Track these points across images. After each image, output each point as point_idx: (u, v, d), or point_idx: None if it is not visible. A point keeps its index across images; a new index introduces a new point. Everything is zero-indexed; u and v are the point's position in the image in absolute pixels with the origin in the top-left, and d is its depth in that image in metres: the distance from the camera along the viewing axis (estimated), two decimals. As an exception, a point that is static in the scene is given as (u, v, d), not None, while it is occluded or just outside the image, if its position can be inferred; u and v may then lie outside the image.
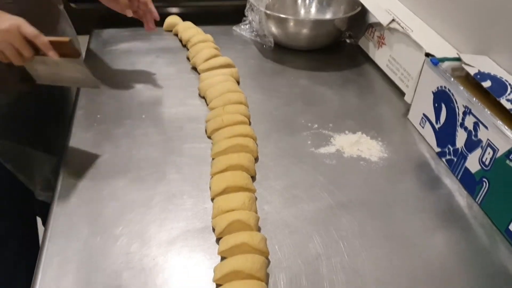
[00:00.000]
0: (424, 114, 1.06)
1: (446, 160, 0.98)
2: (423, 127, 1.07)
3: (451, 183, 0.93)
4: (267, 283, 0.70)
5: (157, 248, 0.76)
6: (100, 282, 0.70)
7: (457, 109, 0.94)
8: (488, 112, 0.86)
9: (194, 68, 1.26)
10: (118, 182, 0.87)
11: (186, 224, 0.81)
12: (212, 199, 0.85)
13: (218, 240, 0.78)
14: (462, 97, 0.92)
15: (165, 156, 0.95)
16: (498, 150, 0.82)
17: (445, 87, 0.98)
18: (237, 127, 0.98)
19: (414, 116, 1.10)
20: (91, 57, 1.30)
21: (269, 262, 0.74)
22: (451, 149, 0.97)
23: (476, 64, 0.99)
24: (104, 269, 0.72)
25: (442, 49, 1.09)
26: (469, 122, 0.90)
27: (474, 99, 0.89)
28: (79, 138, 0.98)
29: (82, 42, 1.28)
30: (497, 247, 0.80)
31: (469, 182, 0.91)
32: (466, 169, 0.92)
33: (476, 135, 0.89)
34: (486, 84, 0.92)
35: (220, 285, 0.69)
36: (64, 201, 0.83)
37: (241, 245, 0.73)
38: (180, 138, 1.01)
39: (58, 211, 0.81)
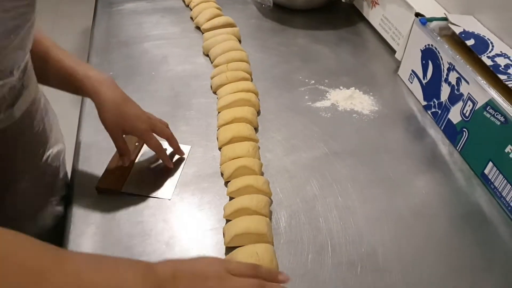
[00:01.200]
0: (412, 70, 1.15)
1: (432, 113, 1.08)
2: (411, 83, 1.15)
3: (435, 133, 1.03)
4: (270, 219, 0.81)
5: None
6: (123, 219, 0.80)
7: (442, 66, 1.03)
8: (470, 68, 0.94)
9: (198, 28, 1.33)
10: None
11: (198, 169, 0.91)
12: (220, 148, 0.94)
13: (226, 183, 0.87)
14: (447, 54, 1.01)
15: (175, 110, 1.04)
16: (477, 102, 0.91)
17: (432, 45, 1.06)
18: (240, 83, 1.06)
19: (404, 72, 1.19)
20: (99, 18, 1.36)
21: (271, 201, 0.84)
22: (436, 102, 1.06)
23: (462, 23, 1.06)
24: (127, 207, 0.82)
25: (431, 9, 1.16)
26: (453, 77, 0.99)
27: (458, 56, 0.98)
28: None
29: (89, 2, 1.34)
30: (473, 188, 0.90)
31: (451, 132, 1.00)
32: (449, 120, 1.01)
33: (458, 89, 0.98)
34: (470, 42, 1.01)
35: (229, 220, 0.79)
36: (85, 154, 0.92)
37: (247, 186, 0.83)
38: (188, 94, 1.09)
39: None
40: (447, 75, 1.01)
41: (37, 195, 0.81)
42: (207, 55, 1.22)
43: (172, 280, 0.52)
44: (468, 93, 0.94)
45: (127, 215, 0.81)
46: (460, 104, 0.97)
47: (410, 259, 0.76)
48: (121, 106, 0.79)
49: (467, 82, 0.94)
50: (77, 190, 0.85)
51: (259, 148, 0.94)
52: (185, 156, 0.92)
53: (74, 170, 0.88)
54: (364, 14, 1.43)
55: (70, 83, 0.78)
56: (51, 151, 0.83)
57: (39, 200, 0.83)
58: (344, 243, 0.78)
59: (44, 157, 0.81)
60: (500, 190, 0.87)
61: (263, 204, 0.80)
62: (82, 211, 0.81)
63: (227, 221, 0.80)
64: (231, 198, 0.84)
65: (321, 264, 0.75)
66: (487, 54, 0.98)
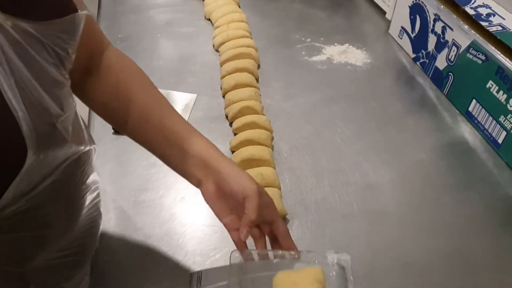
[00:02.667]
0: (402, 27, 1.22)
1: (420, 63, 1.15)
2: (401, 38, 1.23)
3: (423, 81, 1.10)
4: (272, 150, 0.88)
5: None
6: (137, 156, 0.88)
7: (428, 18, 1.10)
8: (454, 16, 1.02)
9: (198, -4, 1.41)
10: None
11: (204, 113, 0.98)
12: (223, 96, 1.02)
13: (230, 124, 0.95)
14: (432, 6, 1.08)
15: (180, 66, 1.11)
16: (461, 46, 0.99)
17: (419, 0, 1.13)
18: (241, 40, 1.14)
19: (394, 30, 1.27)
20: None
21: (273, 137, 0.91)
22: (424, 53, 1.13)
23: (446, -20, 1.14)
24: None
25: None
26: (438, 27, 1.07)
27: (442, 6, 1.05)
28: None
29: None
30: (458, 124, 0.98)
31: (438, 78, 1.08)
32: (436, 68, 1.09)
33: (443, 37, 1.05)
34: (454, -4, 1.08)
35: (234, 151, 0.87)
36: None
37: (251, 123, 0.90)
38: (192, 52, 1.17)
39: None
40: (433, 25, 1.09)
41: None
42: (209, 19, 1.29)
43: None
44: (453, 39, 1.02)
45: (140, 151, 0.88)
46: (445, 51, 1.05)
47: (400, 180, 0.84)
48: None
49: (451, 29, 1.02)
50: (96, 129, 0.92)
51: (260, 95, 1.02)
52: (192, 103, 1.00)
53: (90, 110, 0.95)
54: (356, -18, 1.50)
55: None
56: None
57: None
58: (340, 169, 0.86)
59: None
60: (482, 123, 0.94)
61: (265, 136, 0.88)
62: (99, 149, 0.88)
63: (232, 152, 0.87)
64: (235, 135, 0.91)
65: (320, 186, 0.82)
66: (470, 5, 1.05)
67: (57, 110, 0.44)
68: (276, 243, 0.60)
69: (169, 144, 0.59)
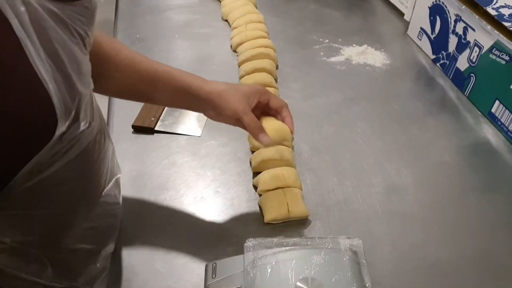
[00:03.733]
0: (421, 28, 1.21)
1: (440, 64, 1.14)
2: (420, 39, 1.22)
3: (444, 82, 1.09)
4: (293, 149, 0.87)
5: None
6: (156, 154, 0.87)
7: (449, 19, 1.09)
8: (476, 17, 1.00)
9: (215, -2, 1.41)
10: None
11: (223, 113, 0.97)
12: (242, 96, 1.01)
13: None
14: (453, 7, 1.07)
15: (198, 66, 1.11)
16: (483, 47, 0.98)
17: (439, 0, 1.12)
18: (258, 40, 1.13)
19: (413, 31, 1.25)
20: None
21: (293, 137, 0.90)
22: (444, 54, 1.12)
23: (467, -20, 1.13)
24: (160, 144, 0.89)
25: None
26: (460, 27, 1.05)
27: (464, 6, 1.04)
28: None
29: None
30: (481, 125, 0.96)
31: (459, 79, 1.07)
32: (457, 69, 1.07)
33: (465, 38, 1.04)
34: (475, -4, 1.07)
35: (254, 151, 0.86)
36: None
37: (271, 123, 0.89)
38: (209, 52, 1.16)
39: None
40: (454, 26, 1.07)
41: None
42: (226, 20, 1.29)
43: None
44: (475, 39, 1.00)
45: (160, 150, 0.88)
46: (467, 51, 1.03)
47: (423, 181, 0.82)
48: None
49: (473, 30, 1.01)
50: (115, 129, 0.92)
51: (279, 95, 1.01)
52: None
53: (110, 109, 0.95)
54: (373, -17, 1.50)
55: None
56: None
57: None
58: (362, 170, 0.84)
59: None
60: (506, 125, 0.93)
61: (286, 136, 0.87)
62: (119, 148, 0.88)
63: (253, 152, 0.86)
64: (256, 135, 0.90)
65: (342, 186, 0.81)
66: (491, 6, 1.04)
67: (82, 87, 0.45)
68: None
69: (185, 97, 0.70)
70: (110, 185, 0.63)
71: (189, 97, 0.70)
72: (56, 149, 0.44)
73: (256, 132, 0.69)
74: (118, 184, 0.69)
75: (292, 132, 0.73)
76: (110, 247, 0.67)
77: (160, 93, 0.70)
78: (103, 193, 0.61)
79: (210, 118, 0.73)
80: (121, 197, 0.71)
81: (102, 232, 0.63)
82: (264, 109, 0.74)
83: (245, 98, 0.69)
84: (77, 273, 0.59)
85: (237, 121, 0.71)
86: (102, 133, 0.57)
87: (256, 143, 0.84)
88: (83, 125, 0.48)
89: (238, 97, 0.68)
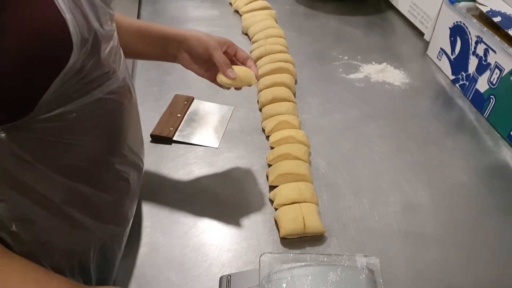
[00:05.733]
0: (441, 48, 1.21)
1: (460, 85, 1.14)
2: (440, 60, 1.22)
3: (463, 103, 1.09)
4: (310, 165, 0.87)
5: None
6: (173, 164, 0.87)
7: (470, 40, 1.09)
8: (497, 39, 1.00)
9: (236, 11, 1.42)
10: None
11: (240, 126, 0.98)
12: (260, 110, 1.02)
13: (267, 137, 0.94)
14: (475, 28, 1.07)
15: (224, 100, 1.10)
16: (504, 69, 0.97)
17: (460, 21, 1.12)
18: (278, 55, 1.14)
19: (432, 51, 1.25)
20: (145, 1, 1.46)
21: (310, 152, 0.90)
22: (464, 75, 1.12)
23: (489, 3, 1.13)
24: (177, 154, 0.89)
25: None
26: (480, 49, 1.05)
27: (485, 28, 1.04)
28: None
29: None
30: (500, 148, 0.95)
31: (478, 100, 1.06)
32: (476, 90, 1.07)
33: (486, 60, 1.04)
34: (497, 19, 1.07)
35: (271, 165, 0.86)
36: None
37: (288, 137, 0.90)
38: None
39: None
40: (475, 48, 1.07)
41: None
42: (246, 34, 1.30)
43: None
44: (496, 61, 1.00)
45: (178, 160, 0.89)
46: (487, 73, 1.03)
47: (440, 201, 0.82)
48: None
49: (494, 52, 1.00)
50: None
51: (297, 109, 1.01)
52: (228, 116, 1.00)
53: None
54: (393, 3, 1.50)
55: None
56: None
57: None
58: (379, 188, 0.84)
59: None
60: (526, 148, 0.92)
61: (303, 151, 0.87)
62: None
63: (270, 166, 0.86)
64: (272, 149, 0.90)
65: (359, 204, 0.81)
66: (512, 29, 1.03)
67: (97, 25, 0.49)
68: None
69: (162, 42, 0.78)
70: (134, 141, 0.67)
71: (166, 42, 0.78)
72: (75, 80, 0.48)
73: (225, 67, 0.76)
74: (142, 143, 0.73)
75: (256, 77, 0.79)
76: (131, 213, 0.69)
77: (139, 44, 0.79)
78: (128, 143, 0.64)
79: (184, 65, 0.80)
80: (144, 158, 0.73)
81: (128, 185, 0.66)
82: (231, 61, 0.80)
83: (216, 41, 0.77)
84: (108, 218, 0.62)
85: (207, 68, 0.80)
86: (129, 88, 0.62)
87: (224, 79, 0.81)
88: (106, 67, 0.53)
89: (209, 38, 0.77)
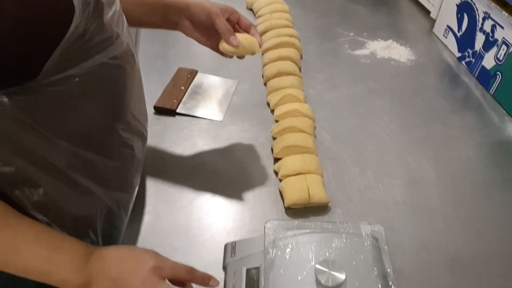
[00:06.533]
0: (447, 26, 1.20)
1: (466, 63, 1.13)
2: (446, 37, 1.21)
3: (469, 80, 1.08)
4: (314, 138, 0.87)
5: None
6: (177, 137, 0.87)
7: (477, 16, 1.08)
8: (506, 14, 0.99)
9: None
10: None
11: (245, 100, 0.97)
12: (265, 84, 1.01)
13: (272, 111, 0.94)
14: (482, 4, 1.06)
15: (228, 74, 1.09)
16: (511, 45, 0.96)
17: (468, -2, 1.11)
18: (283, 29, 1.12)
19: (439, 29, 1.24)
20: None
21: (315, 126, 0.90)
22: (470, 52, 1.11)
23: (497, -21, 1.11)
24: (181, 127, 0.89)
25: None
26: (488, 25, 1.04)
27: (493, 4, 1.02)
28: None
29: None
30: (505, 124, 0.95)
31: (485, 77, 1.05)
32: (483, 67, 1.06)
33: (493, 36, 1.02)
34: (505, -5, 1.05)
35: (275, 138, 0.85)
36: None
37: (293, 111, 0.89)
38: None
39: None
40: (482, 24, 1.06)
41: None
42: (251, 9, 1.29)
43: (96, 280, 0.51)
44: (503, 37, 0.99)
45: (181, 132, 0.88)
46: (494, 49, 1.02)
47: (446, 175, 0.81)
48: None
49: (502, 28, 0.99)
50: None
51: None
52: (233, 89, 0.99)
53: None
54: (399, -19, 1.48)
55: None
56: None
57: None
58: (384, 162, 0.84)
59: None
60: (532, 124, 0.91)
61: (308, 125, 0.86)
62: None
63: (274, 139, 0.86)
64: (277, 122, 0.90)
65: (363, 176, 0.80)
66: (521, 4, 1.02)
67: None
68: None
69: (165, 10, 0.76)
70: (138, 108, 0.66)
71: (167, 9, 0.75)
72: (79, 44, 0.48)
73: (227, 34, 0.73)
74: (145, 113, 0.73)
75: (260, 45, 0.77)
76: (136, 181, 0.69)
77: (140, 10, 0.76)
78: (131, 110, 0.63)
79: (185, 33, 0.78)
80: (148, 128, 0.73)
81: (133, 152, 0.65)
82: (234, 28, 0.77)
83: (218, 8, 0.75)
84: (114, 185, 0.62)
85: (209, 35, 0.77)
86: (132, 54, 0.61)
87: (227, 47, 0.81)
88: (109, 31, 0.52)
89: (212, 4, 0.75)
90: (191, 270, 0.56)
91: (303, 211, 0.74)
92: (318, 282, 0.56)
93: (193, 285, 0.57)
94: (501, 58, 1.00)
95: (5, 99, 0.46)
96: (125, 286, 0.51)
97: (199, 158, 0.83)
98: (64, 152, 0.53)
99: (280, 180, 0.78)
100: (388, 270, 0.58)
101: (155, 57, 1.09)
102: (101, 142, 0.59)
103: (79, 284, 0.51)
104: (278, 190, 0.77)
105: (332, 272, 0.56)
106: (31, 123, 0.49)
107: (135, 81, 0.64)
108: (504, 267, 0.67)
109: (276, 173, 0.80)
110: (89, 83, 0.52)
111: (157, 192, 0.76)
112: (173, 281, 0.55)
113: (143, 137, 0.69)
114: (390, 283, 0.57)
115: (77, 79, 0.50)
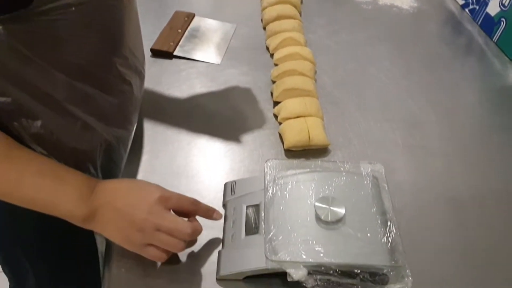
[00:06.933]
0: (452, -28, 1.16)
1: (469, 10, 1.10)
2: (450, -16, 1.17)
3: (472, 28, 1.06)
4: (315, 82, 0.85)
5: (222, 57, 0.91)
6: (174, 81, 0.85)
7: (484, -40, 1.04)
8: (512, -42, 0.96)
9: None
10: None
11: (243, 44, 0.95)
12: (264, 28, 0.99)
13: (271, 56, 0.92)
14: None
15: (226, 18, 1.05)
16: (518, -10, 0.94)
17: None
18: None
19: (443, -25, 1.21)
20: None
21: (316, 70, 0.88)
22: (475, -1, 1.08)
23: None
24: (178, 70, 0.87)
25: None
26: (493, -30, 1.01)
27: None
28: None
29: None
30: (508, 71, 0.94)
31: (488, 24, 1.03)
32: (487, 14, 1.04)
33: (499, -19, 1.00)
34: None
35: (275, 81, 0.84)
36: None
37: (294, 54, 0.87)
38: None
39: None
40: (488, -31, 1.03)
41: None
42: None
43: (101, 211, 0.51)
44: (509, -18, 0.96)
45: (179, 75, 0.86)
46: (499, -5, 1.00)
47: (447, 119, 0.81)
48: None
49: (509, -28, 0.96)
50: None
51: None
52: (231, 33, 0.97)
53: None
54: None
55: None
56: None
57: None
58: (386, 106, 0.83)
59: None
60: (535, 70, 0.90)
61: (309, 68, 0.85)
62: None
63: (274, 83, 0.84)
64: (276, 66, 0.88)
65: (364, 120, 0.80)
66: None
67: None
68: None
69: None
70: (135, 44, 0.64)
71: None
72: None
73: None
74: (142, 50, 0.70)
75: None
76: (135, 118, 0.68)
77: None
78: (129, 45, 0.61)
79: None
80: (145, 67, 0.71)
81: (131, 88, 0.64)
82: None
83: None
84: (113, 120, 0.61)
85: None
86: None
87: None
88: None
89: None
90: (195, 202, 0.57)
91: (303, 153, 0.73)
92: (317, 217, 0.56)
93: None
94: (506, 4, 0.97)
95: (0, 27, 0.44)
96: (131, 216, 0.51)
97: (197, 101, 0.82)
98: (62, 85, 0.53)
99: (280, 123, 0.77)
100: (388, 207, 0.58)
101: None
102: (99, 76, 0.58)
103: (83, 215, 0.51)
104: (277, 133, 0.76)
105: (331, 208, 0.56)
106: (27, 53, 0.48)
107: (132, 14, 0.62)
108: (501, 206, 0.67)
109: (275, 116, 0.79)
110: (86, 13, 0.50)
111: (155, 134, 0.75)
112: (177, 213, 0.55)
113: (140, 74, 0.68)
114: (389, 220, 0.57)
115: (73, 8, 0.48)
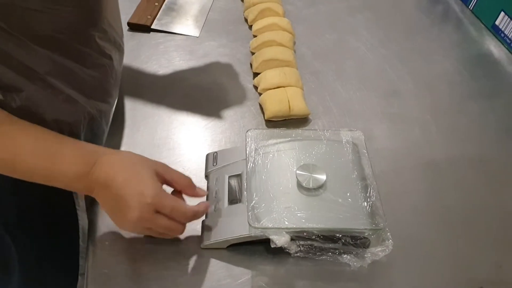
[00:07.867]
0: None
1: (445, -22, 1.11)
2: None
3: (448, -4, 1.06)
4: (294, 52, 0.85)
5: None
6: (151, 55, 0.85)
7: None
8: None
9: None
10: None
11: (221, 16, 0.95)
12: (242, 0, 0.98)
13: (250, 27, 0.91)
14: None
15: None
16: (494, -43, 0.94)
17: None
18: None
19: None
20: None
21: (295, 41, 0.88)
22: (451, -34, 1.08)
23: None
24: (156, 44, 0.86)
25: None
26: None
27: None
28: None
29: None
30: (484, 38, 0.95)
31: (465, -8, 1.04)
32: (463, -18, 1.04)
33: None
34: None
35: (254, 53, 0.84)
36: None
37: (272, 25, 0.87)
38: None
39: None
40: None
41: None
42: None
43: (101, 189, 0.52)
44: (485, -51, 0.97)
45: (156, 48, 0.86)
46: (475, -38, 1.00)
47: (425, 87, 0.82)
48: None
49: None
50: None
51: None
52: (209, 5, 0.96)
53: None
54: None
55: None
56: None
57: None
58: (365, 76, 0.83)
59: None
60: (510, 36, 0.91)
61: (288, 39, 0.85)
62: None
63: (253, 54, 0.84)
64: (255, 37, 0.88)
65: (343, 89, 0.80)
66: None
67: None
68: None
69: None
70: (113, 17, 0.63)
71: None
72: None
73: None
74: (121, 24, 0.69)
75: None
76: (115, 92, 0.68)
77: None
78: (107, 18, 0.61)
79: None
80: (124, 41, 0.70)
81: (111, 62, 0.64)
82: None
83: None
84: (94, 93, 0.62)
85: None
86: None
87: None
88: None
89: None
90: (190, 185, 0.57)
91: (283, 123, 0.74)
92: (299, 184, 0.57)
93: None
94: (482, -29, 0.98)
95: None
96: (127, 208, 0.51)
97: (177, 74, 0.81)
98: (43, 59, 0.53)
99: (260, 94, 0.77)
100: (368, 173, 0.60)
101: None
102: (79, 50, 0.57)
103: (81, 190, 0.54)
104: (258, 104, 0.76)
105: (313, 175, 0.57)
106: (4, 27, 0.47)
107: None
108: (476, 170, 0.69)
109: (255, 87, 0.79)
110: None
111: (135, 107, 0.75)
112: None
113: (120, 48, 0.67)
114: (369, 185, 0.58)
115: None
